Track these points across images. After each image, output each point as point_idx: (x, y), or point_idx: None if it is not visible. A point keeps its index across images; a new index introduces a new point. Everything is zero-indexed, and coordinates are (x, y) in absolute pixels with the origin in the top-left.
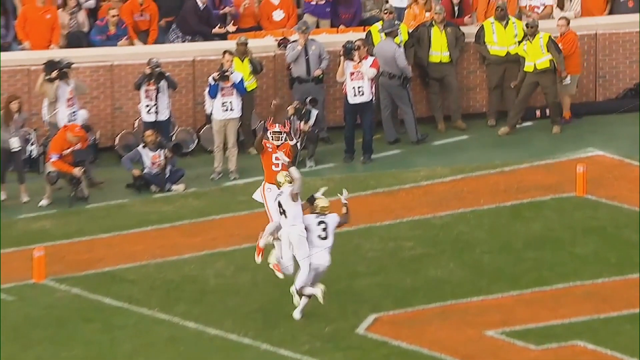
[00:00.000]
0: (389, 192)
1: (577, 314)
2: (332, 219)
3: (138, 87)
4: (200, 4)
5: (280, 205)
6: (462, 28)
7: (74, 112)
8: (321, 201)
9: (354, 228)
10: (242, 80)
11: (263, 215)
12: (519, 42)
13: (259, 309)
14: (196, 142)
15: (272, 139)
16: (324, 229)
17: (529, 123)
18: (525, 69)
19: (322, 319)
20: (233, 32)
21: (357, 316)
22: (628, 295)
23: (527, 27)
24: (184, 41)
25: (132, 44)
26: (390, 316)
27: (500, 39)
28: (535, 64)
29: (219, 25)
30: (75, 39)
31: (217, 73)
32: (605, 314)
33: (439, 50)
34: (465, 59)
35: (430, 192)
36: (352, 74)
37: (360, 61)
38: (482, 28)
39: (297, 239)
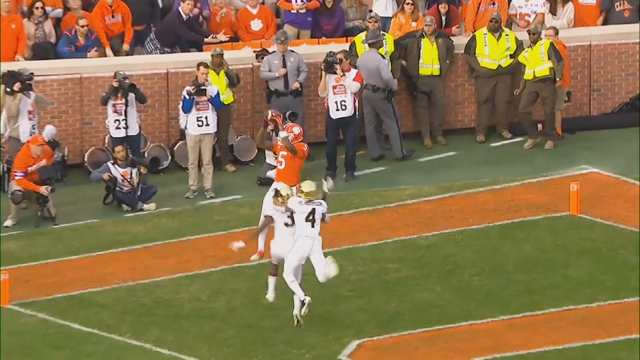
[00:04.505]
0: (373, 211)
1: (571, 340)
2: (322, 208)
3: (105, 102)
4: (184, 15)
5: (313, 214)
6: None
7: (34, 125)
8: (305, 186)
9: (336, 249)
10: (217, 93)
11: (239, 237)
12: (511, 56)
13: (236, 334)
14: (170, 158)
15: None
16: (312, 216)
17: (520, 138)
18: (525, 77)
19: (303, 345)
20: (224, 41)
21: (339, 342)
22: (625, 320)
23: (530, 34)
24: (162, 53)
25: (103, 53)
26: (374, 342)
27: (492, 52)
28: (534, 72)
29: (211, 35)
30: (42, 50)
31: (193, 87)
32: (601, 340)
33: (429, 63)
34: (453, 72)
35: (416, 211)
36: (334, 87)
37: (343, 74)
38: (473, 38)
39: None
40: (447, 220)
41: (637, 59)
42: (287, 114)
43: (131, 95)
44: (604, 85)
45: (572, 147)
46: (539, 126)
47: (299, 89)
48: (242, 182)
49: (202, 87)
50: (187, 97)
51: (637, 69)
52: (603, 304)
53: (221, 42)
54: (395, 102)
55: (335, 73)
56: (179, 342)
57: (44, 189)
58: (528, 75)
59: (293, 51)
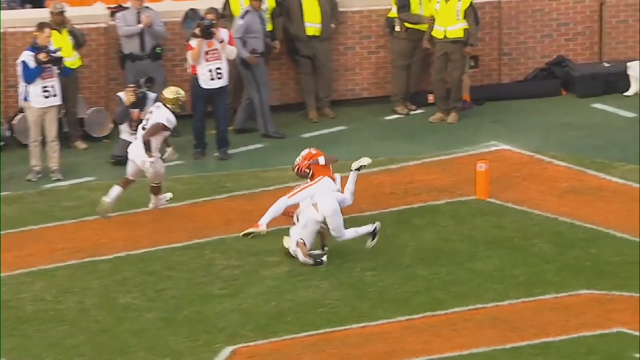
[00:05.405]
0: (250, 195)
1: (477, 344)
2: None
3: None
4: None
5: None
6: None
7: None
8: (167, 92)
9: (206, 240)
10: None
11: (92, 225)
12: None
13: (88, 340)
14: (8, 134)
15: None
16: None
17: (420, 111)
18: (433, 34)
19: (167, 352)
20: None
21: (209, 348)
22: (539, 320)
23: None
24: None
25: None
26: (251, 348)
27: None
28: (445, 31)
29: None
30: None
31: (44, 54)
32: (513, 344)
33: (311, 22)
34: (341, 33)
35: None
36: (207, 53)
37: (221, 41)
38: None
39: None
40: None
41: (553, 18)
42: (143, 80)
43: None
44: (516, 48)
45: (479, 120)
46: (430, 97)
47: (158, 51)
48: (94, 162)
49: (56, 55)
50: (35, 65)
51: (554, 30)
52: (515, 302)
53: None
54: (264, 68)
55: (212, 38)
56: (19, 349)
57: None
58: (437, 32)
59: (148, 7)
